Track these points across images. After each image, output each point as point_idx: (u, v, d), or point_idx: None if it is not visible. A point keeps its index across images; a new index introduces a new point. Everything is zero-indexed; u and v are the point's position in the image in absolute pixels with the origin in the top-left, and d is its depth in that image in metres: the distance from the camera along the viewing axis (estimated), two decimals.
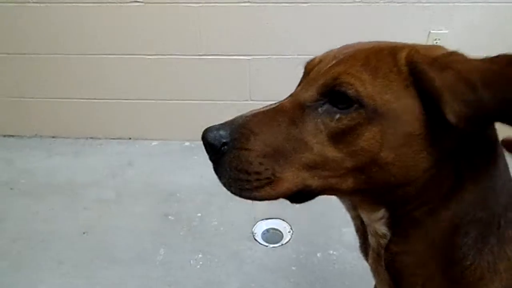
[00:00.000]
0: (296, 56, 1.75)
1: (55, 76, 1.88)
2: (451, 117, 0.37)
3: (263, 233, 1.43)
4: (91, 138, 2.01)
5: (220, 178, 0.45)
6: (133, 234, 1.42)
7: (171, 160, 1.84)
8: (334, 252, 1.33)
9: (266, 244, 1.38)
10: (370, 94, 0.41)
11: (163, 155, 1.89)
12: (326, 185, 0.45)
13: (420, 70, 0.41)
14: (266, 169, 0.42)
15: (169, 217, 1.51)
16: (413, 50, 0.43)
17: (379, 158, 0.42)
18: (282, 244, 1.38)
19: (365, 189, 0.45)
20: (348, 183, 0.45)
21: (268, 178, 0.43)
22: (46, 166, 1.80)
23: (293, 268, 1.28)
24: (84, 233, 1.42)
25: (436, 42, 1.68)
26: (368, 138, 0.42)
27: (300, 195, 0.46)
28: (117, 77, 1.87)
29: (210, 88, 1.86)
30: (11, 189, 1.64)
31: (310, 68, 0.51)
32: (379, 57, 0.43)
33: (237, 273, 1.27)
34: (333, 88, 0.43)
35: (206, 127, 0.44)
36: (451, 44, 1.81)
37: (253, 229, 1.43)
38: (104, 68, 1.84)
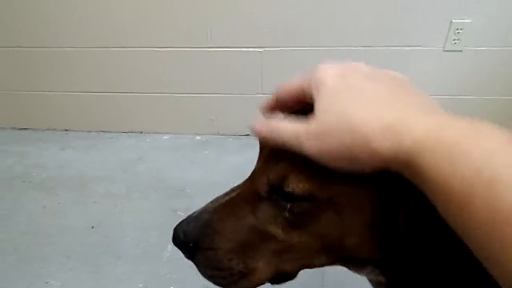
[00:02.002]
0: (309, 48, 1.69)
1: (67, 69, 1.88)
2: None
3: None
4: (103, 131, 2.01)
5: (200, 272, 0.45)
6: (141, 229, 1.41)
7: (182, 155, 1.82)
8: None
9: None
10: (322, 188, 0.37)
11: (174, 149, 1.87)
12: (301, 265, 0.44)
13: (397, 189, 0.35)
14: (237, 263, 0.42)
15: (178, 212, 1.49)
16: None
17: (343, 241, 0.40)
18: None
19: (342, 260, 0.44)
20: (321, 260, 0.44)
21: (240, 271, 0.43)
22: (58, 160, 1.80)
23: None
24: (92, 227, 1.42)
25: (458, 32, 1.59)
26: (326, 224, 0.39)
27: (279, 278, 0.46)
28: (128, 71, 1.85)
29: (221, 81, 1.82)
30: (23, 182, 1.66)
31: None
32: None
33: None
34: (281, 187, 0.39)
35: (176, 225, 0.45)
36: (473, 34, 1.71)
37: None
38: (115, 61, 1.83)
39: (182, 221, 0.45)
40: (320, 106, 0.32)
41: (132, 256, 1.30)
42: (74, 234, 1.39)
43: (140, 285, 1.20)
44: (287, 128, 0.34)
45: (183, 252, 0.45)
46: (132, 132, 2.00)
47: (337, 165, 0.32)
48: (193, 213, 0.46)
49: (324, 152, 0.31)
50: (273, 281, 0.46)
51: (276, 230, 0.41)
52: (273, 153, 0.41)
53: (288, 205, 0.40)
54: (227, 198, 0.45)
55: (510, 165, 0.23)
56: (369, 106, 0.30)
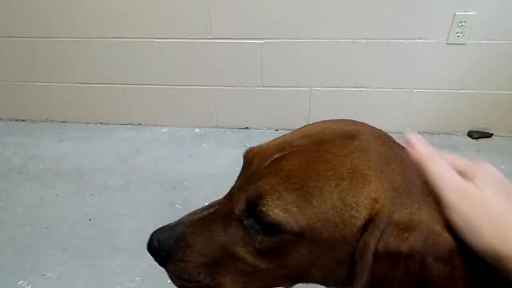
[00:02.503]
0: (309, 40, 1.66)
1: (65, 60, 1.85)
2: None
3: None
4: (101, 123, 1.99)
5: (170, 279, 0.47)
6: (139, 222, 1.40)
7: (180, 147, 1.80)
8: None
9: None
10: (297, 220, 0.37)
11: (172, 142, 1.85)
12: (268, 286, 0.44)
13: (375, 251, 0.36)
14: (205, 277, 0.43)
15: (176, 205, 1.47)
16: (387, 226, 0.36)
17: (311, 273, 0.41)
18: None
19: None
20: (288, 284, 0.44)
21: (207, 285, 0.43)
22: (55, 151, 1.79)
23: None
24: (90, 220, 1.41)
25: (462, 25, 1.57)
26: (295, 257, 0.40)
27: None
28: (127, 62, 1.83)
29: (221, 73, 1.80)
30: (20, 173, 1.64)
31: (249, 160, 0.46)
32: (340, 175, 0.37)
33: None
34: (255, 207, 0.39)
35: (153, 232, 0.47)
36: (477, 27, 1.67)
37: None
38: (114, 52, 1.80)
39: (159, 229, 0.46)
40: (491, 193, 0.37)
41: (130, 249, 1.29)
42: (71, 226, 1.38)
43: (138, 278, 1.20)
44: (449, 172, 0.39)
45: (155, 259, 0.45)
46: (131, 124, 1.98)
47: (461, 234, 0.36)
48: (170, 223, 0.46)
49: (463, 216, 0.35)
50: None
51: (245, 254, 0.41)
52: (256, 173, 0.41)
53: (259, 236, 0.39)
54: (204, 213, 0.45)
55: None
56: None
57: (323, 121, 0.46)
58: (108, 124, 1.98)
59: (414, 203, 0.37)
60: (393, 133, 0.45)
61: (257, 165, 0.42)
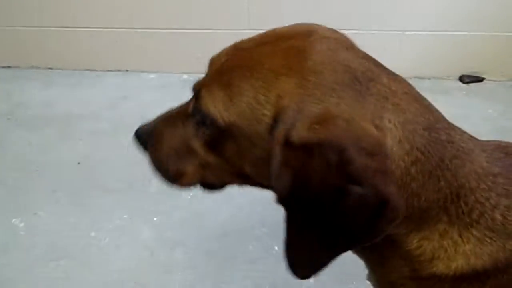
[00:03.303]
0: None
1: (51, 4, 1.79)
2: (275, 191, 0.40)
3: None
4: (88, 70, 1.96)
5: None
6: (126, 165, 1.42)
7: (168, 94, 1.79)
8: None
9: None
10: (222, 116, 0.41)
11: (160, 88, 1.83)
12: (222, 181, 0.51)
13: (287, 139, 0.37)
14: (172, 166, 0.50)
15: None
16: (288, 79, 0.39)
17: (245, 170, 0.45)
18: None
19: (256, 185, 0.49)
20: (237, 181, 0.50)
21: (174, 174, 0.50)
22: (42, 98, 1.78)
23: None
24: (78, 163, 1.44)
25: None
26: (228, 151, 0.45)
27: (207, 186, 0.53)
28: (112, 5, 1.77)
29: (206, 15, 1.74)
30: (8, 119, 1.65)
31: (210, 64, 0.50)
32: (256, 75, 0.40)
33: (227, 205, 1.27)
34: (196, 101, 0.45)
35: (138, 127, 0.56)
36: None
37: None
38: None
39: (143, 124, 0.55)
40: None
41: (117, 189, 1.33)
42: (60, 169, 1.41)
43: (125, 216, 1.25)
44: None
45: (139, 147, 0.55)
46: (118, 70, 1.95)
47: None
48: (151, 120, 0.55)
49: None
50: (203, 187, 0.53)
51: (198, 148, 0.47)
52: (207, 74, 0.47)
53: (202, 128, 0.45)
54: (173, 111, 0.52)
55: None
56: None
57: (297, 23, 0.48)
58: (95, 70, 1.95)
59: (332, 98, 0.37)
60: None
61: (211, 67, 0.47)
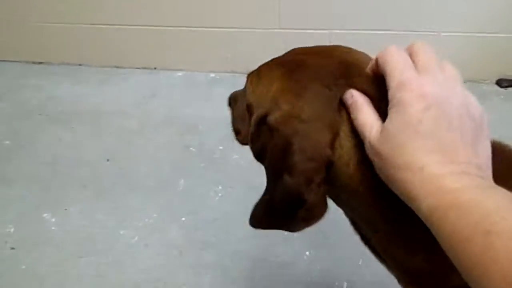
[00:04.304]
0: None
1: (81, 1, 1.81)
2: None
3: None
4: (116, 67, 1.98)
5: None
6: (154, 163, 1.42)
7: (195, 92, 1.79)
8: None
9: None
10: (249, 96, 0.53)
11: (187, 86, 1.83)
12: None
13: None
14: (235, 125, 0.61)
15: (191, 148, 1.49)
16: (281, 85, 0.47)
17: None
18: None
19: None
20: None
21: (236, 131, 0.61)
22: (72, 94, 1.80)
23: None
24: (107, 160, 1.44)
25: None
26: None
27: None
28: (142, 3, 1.77)
29: (236, 14, 1.73)
30: (39, 115, 1.67)
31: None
32: (267, 77, 0.50)
33: None
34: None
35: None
36: None
37: None
38: None
39: (236, 90, 0.65)
40: (392, 125, 0.37)
41: (146, 188, 1.33)
42: (89, 165, 1.42)
43: (155, 215, 1.24)
44: (368, 116, 0.40)
45: (228, 104, 0.65)
46: (146, 68, 1.96)
47: (383, 176, 0.39)
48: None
49: (377, 157, 0.38)
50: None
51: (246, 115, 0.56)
52: None
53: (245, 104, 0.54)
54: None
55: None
56: (430, 155, 0.35)
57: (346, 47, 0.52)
58: (124, 67, 1.96)
59: (302, 100, 0.43)
60: None
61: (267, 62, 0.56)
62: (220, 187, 1.32)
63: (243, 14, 1.73)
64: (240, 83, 0.59)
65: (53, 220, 1.23)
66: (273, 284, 1.05)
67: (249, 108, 0.51)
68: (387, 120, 0.38)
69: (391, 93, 0.38)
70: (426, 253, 0.43)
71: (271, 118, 0.44)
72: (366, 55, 0.49)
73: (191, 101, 1.73)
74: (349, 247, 1.11)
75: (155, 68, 1.96)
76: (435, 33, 1.63)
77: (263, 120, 0.45)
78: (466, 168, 0.35)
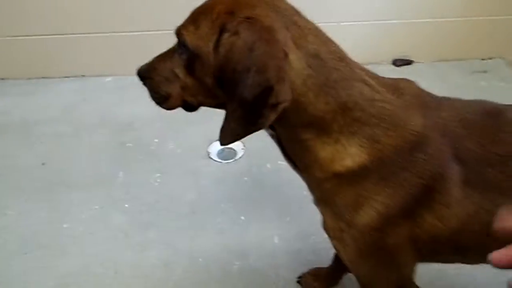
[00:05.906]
0: None
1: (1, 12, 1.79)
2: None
3: (218, 152, 1.51)
4: (43, 77, 1.97)
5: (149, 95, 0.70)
6: (92, 161, 1.47)
7: (126, 94, 1.84)
8: (282, 163, 1.43)
9: (221, 161, 1.47)
10: (191, 40, 0.59)
11: (117, 90, 1.88)
12: (199, 101, 0.66)
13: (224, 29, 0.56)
14: (162, 90, 0.66)
15: (127, 144, 1.56)
16: (228, 7, 0.56)
17: (208, 84, 0.60)
18: (235, 160, 1.47)
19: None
20: (209, 101, 0.65)
21: (164, 96, 0.66)
22: None
23: (245, 178, 1.39)
24: (43, 164, 1.46)
25: None
26: (197, 69, 0.60)
27: (187, 107, 0.68)
28: (64, 11, 1.80)
29: (155, 16, 1.83)
30: None
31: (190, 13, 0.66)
32: (209, 13, 0.58)
33: (193, 187, 1.36)
34: (178, 37, 0.62)
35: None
36: None
37: (208, 149, 1.51)
38: (49, 2, 1.76)
39: (142, 64, 0.69)
40: None
41: (85, 184, 1.38)
42: (25, 171, 1.43)
43: (96, 207, 1.30)
44: None
45: (140, 79, 0.69)
46: (74, 76, 1.98)
47: None
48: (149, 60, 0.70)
49: None
50: (184, 108, 0.69)
51: (179, 72, 0.64)
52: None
53: (182, 55, 0.62)
54: (162, 53, 0.68)
55: None
56: None
57: None
58: (50, 77, 1.96)
59: (258, 8, 0.56)
60: None
61: (188, 17, 0.63)
62: (158, 174, 1.41)
63: (157, 17, 1.83)
64: None
65: None
66: (213, 247, 1.16)
67: (192, 55, 0.59)
68: None
69: None
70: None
71: (233, 24, 0.54)
72: None
73: (123, 102, 1.79)
74: (277, 208, 1.27)
75: (83, 76, 1.98)
76: (335, 23, 1.88)
77: (222, 34, 0.54)
78: None
